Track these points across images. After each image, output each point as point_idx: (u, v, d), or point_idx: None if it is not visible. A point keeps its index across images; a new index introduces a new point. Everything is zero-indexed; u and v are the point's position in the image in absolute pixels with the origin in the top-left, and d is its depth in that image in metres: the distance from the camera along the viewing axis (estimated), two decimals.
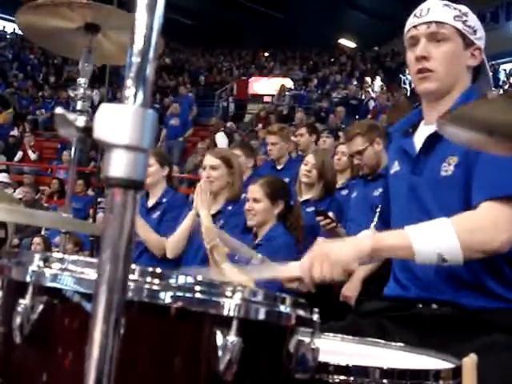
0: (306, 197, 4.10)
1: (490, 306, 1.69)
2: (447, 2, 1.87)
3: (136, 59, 0.69)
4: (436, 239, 1.59)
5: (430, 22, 1.82)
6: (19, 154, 13.82)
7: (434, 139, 1.81)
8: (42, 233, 7.00)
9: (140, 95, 0.68)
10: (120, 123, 0.67)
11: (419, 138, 1.90)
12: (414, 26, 1.86)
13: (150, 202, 3.99)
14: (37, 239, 6.38)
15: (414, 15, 1.88)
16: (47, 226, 4.57)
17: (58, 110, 0.67)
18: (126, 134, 0.66)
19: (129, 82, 0.69)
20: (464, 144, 1.30)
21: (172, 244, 3.64)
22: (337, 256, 1.65)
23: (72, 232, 4.05)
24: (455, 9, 1.85)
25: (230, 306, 0.92)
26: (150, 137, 0.67)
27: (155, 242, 3.78)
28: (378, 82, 17.27)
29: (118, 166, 0.66)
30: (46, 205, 9.80)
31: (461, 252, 1.58)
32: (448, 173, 1.76)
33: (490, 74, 1.96)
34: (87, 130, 0.67)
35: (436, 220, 1.64)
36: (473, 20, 1.87)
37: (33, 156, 13.64)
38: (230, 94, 19.33)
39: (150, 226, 3.82)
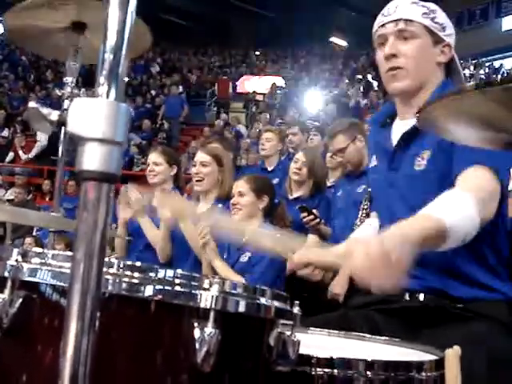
0: (296, 194, 4.10)
1: (476, 295, 1.71)
2: (416, 0, 1.87)
3: (109, 56, 0.69)
4: (465, 224, 1.52)
5: (398, 20, 1.82)
6: (10, 154, 13.78)
7: (409, 136, 1.83)
8: (34, 233, 6.99)
9: (113, 92, 0.68)
10: (93, 117, 0.67)
11: (396, 133, 1.91)
12: (382, 25, 1.86)
13: (155, 202, 3.95)
14: (28, 239, 6.37)
15: (382, 14, 1.87)
16: (38, 226, 4.56)
17: (32, 104, 0.67)
18: (99, 128, 0.67)
19: (101, 79, 0.69)
20: (444, 136, 1.31)
21: (159, 251, 3.66)
22: (401, 259, 1.30)
23: (63, 232, 4.05)
24: (423, 6, 1.85)
25: (206, 298, 0.93)
26: (123, 130, 0.68)
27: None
28: (367, 80, 17.32)
29: (91, 159, 0.67)
30: (37, 205, 9.77)
31: (478, 227, 1.54)
32: (421, 167, 1.78)
33: (462, 71, 1.97)
34: (61, 124, 0.67)
35: (460, 196, 1.55)
36: (441, 17, 1.87)
37: (24, 157, 13.60)
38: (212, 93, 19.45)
39: (156, 225, 3.81)
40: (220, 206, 3.58)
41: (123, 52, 0.70)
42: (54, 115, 0.69)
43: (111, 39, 0.70)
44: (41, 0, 2.36)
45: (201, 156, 3.64)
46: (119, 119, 0.68)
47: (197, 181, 3.61)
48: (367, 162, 2.27)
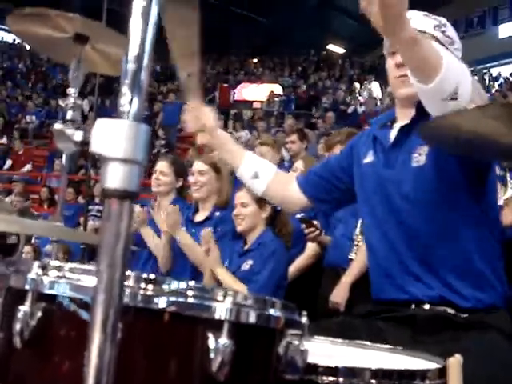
0: None
1: (481, 300, 1.74)
2: (427, 13, 1.92)
3: (131, 66, 0.72)
4: (460, 73, 1.58)
5: None
6: (8, 162, 13.79)
7: (407, 130, 1.87)
8: (32, 241, 6.98)
9: (135, 102, 0.71)
10: (115, 137, 0.70)
11: (394, 133, 1.95)
12: None
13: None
14: (27, 248, 6.35)
15: None
16: (44, 236, 4.56)
17: (57, 126, 0.70)
18: (121, 148, 0.70)
19: (124, 89, 0.72)
20: (446, 151, 1.35)
21: (160, 261, 3.69)
22: None
23: (61, 241, 4.07)
24: (435, 19, 1.91)
25: (221, 309, 0.96)
26: (143, 150, 0.71)
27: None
28: (366, 87, 17.38)
29: (113, 177, 0.70)
30: (35, 213, 9.75)
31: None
32: (420, 163, 1.81)
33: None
34: (84, 144, 0.70)
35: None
36: (451, 31, 1.92)
37: (27, 166, 13.66)
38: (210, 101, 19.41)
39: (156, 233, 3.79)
40: (218, 214, 3.60)
41: (145, 63, 0.73)
42: (78, 136, 0.71)
43: (133, 50, 0.72)
44: (39, 11, 2.38)
45: (198, 165, 3.66)
46: (139, 140, 0.71)
47: (195, 189, 3.64)
48: None
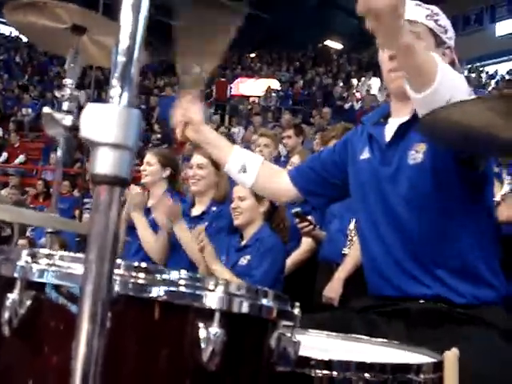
0: None
1: (477, 296, 1.73)
2: (419, 2, 1.90)
3: (121, 59, 0.70)
4: (455, 87, 1.56)
5: None
6: (4, 154, 13.76)
7: (405, 128, 1.85)
8: (27, 234, 6.96)
9: (125, 95, 0.70)
10: (106, 122, 0.68)
11: (390, 130, 1.92)
12: None
13: (150, 203, 3.93)
14: (22, 241, 6.33)
15: None
16: (38, 225, 4.54)
17: (46, 110, 0.69)
18: (111, 133, 0.68)
19: (114, 82, 0.70)
20: (444, 145, 1.33)
21: (151, 253, 3.68)
22: None
23: (57, 233, 4.04)
24: (427, 8, 1.88)
25: (212, 299, 0.95)
26: (134, 135, 0.69)
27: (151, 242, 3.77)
28: (364, 83, 17.38)
29: (103, 163, 0.68)
30: (31, 206, 9.74)
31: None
32: (417, 160, 1.79)
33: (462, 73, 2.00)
34: (74, 128, 0.69)
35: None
36: (444, 20, 1.90)
37: (20, 157, 13.63)
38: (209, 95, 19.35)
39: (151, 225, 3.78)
40: (215, 208, 3.59)
41: (136, 55, 0.71)
42: (68, 120, 0.70)
43: (124, 42, 0.71)
44: (36, 0, 2.36)
45: (198, 158, 3.65)
46: (131, 125, 0.69)
47: (193, 182, 3.63)
48: None
